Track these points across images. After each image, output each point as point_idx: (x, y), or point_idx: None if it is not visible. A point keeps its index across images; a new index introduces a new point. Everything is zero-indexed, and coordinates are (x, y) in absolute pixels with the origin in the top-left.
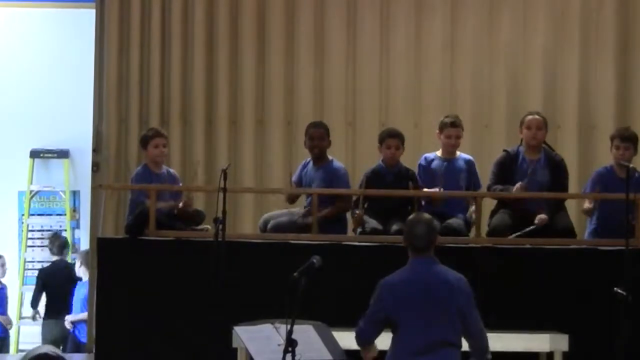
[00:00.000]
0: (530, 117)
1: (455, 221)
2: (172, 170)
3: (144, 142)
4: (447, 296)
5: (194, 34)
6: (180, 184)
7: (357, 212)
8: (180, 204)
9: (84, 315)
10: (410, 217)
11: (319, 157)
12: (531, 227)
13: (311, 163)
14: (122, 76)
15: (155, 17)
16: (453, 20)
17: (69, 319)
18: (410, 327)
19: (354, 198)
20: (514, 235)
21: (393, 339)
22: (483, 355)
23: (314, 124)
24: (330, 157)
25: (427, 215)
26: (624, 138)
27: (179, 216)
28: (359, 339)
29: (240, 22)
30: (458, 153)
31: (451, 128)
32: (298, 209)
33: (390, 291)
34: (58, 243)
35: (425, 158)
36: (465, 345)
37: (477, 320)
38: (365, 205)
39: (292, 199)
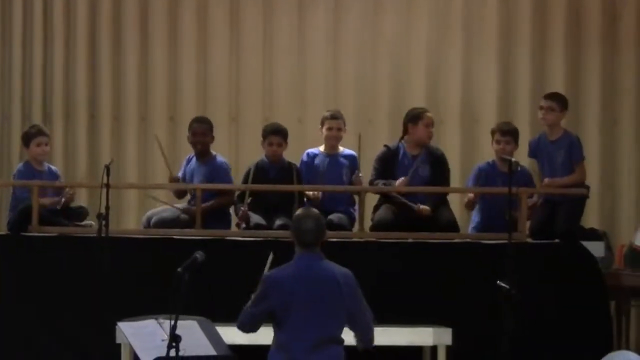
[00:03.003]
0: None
1: (337, 216)
2: (53, 167)
3: (26, 139)
4: (335, 292)
5: (76, 29)
6: (62, 181)
7: (242, 208)
8: (63, 199)
9: None
10: (298, 212)
11: (203, 153)
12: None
13: (195, 158)
14: (4, 72)
15: (37, 12)
16: (336, 14)
17: None
18: (297, 323)
19: (237, 193)
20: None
21: (277, 334)
22: (368, 345)
23: (198, 119)
24: (213, 153)
25: (315, 211)
26: (504, 132)
27: (62, 212)
28: (242, 330)
29: (123, 17)
30: (341, 148)
31: (332, 120)
32: (181, 204)
33: (276, 287)
34: None
35: (308, 154)
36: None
37: (364, 314)
38: (249, 200)
39: (179, 194)
